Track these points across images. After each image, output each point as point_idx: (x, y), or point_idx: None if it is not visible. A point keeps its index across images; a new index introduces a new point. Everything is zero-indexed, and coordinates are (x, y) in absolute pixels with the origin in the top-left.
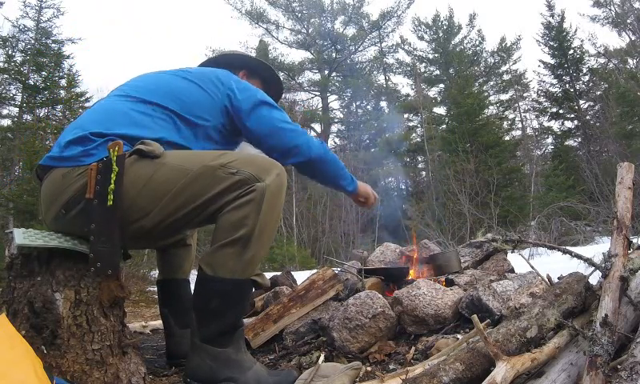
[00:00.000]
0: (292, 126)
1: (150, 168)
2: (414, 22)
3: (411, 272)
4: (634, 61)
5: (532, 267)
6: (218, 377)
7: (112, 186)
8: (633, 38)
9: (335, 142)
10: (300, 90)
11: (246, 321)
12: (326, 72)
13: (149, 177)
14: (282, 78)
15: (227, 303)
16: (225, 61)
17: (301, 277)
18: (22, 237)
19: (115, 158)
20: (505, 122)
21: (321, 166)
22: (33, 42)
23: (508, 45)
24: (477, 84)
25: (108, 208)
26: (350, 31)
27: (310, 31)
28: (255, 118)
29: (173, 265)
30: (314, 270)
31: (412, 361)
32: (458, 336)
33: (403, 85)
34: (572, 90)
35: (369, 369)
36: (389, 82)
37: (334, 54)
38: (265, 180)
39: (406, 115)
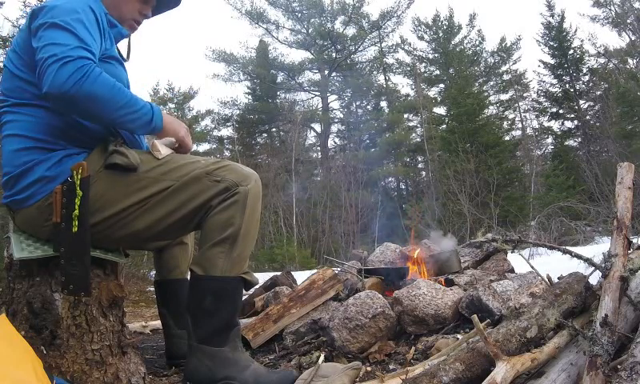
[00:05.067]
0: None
1: (129, 183)
2: (413, 22)
3: (412, 268)
4: (634, 61)
5: (532, 267)
6: (217, 376)
7: (76, 211)
8: (633, 37)
9: (335, 142)
10: (300, 90)
11: (246, 321)
12: (326, 72)
13: (129, 193)
14: (281, 78)
15: (220, 301)
16: None
17: (301, 277)
18: (20, 248)
19: (79, 181)
20: (505, 122)
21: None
22: None
23: (508, 45)
24: (477, 84)
25: (75, 232)
26: (350, 31)
27: (309, 31)
28: None
29: (170, 265)
30: (314, 270)
31: (412, 361)
32: (458, 336)
33: (403, 85)
34: (572, 90)
35: (369, 369)
36: (389, 82)
37: (334, 54)
38: (246, 185)
39: (406, 115)
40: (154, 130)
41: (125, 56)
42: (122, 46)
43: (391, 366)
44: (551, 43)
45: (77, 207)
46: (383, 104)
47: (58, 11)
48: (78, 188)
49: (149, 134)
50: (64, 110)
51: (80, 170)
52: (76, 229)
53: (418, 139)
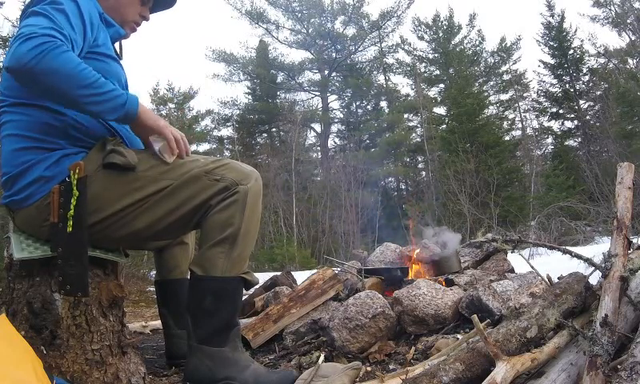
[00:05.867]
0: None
1: (128, 183)
2: (414, 22)
3: (411, 271)
4: (634, 61)
5: (532, 267)
6: (217, 376)
7: (71, 211)
8: (633, 37)
9: (335, 142)
10: (300, 90)
11: (246, 321)
12: (326, 72)
13: (128, 192)
14: (281, 78)
15: (220, 301)
16: None
17: (301, 277)
18: (20, 249)
19: (76, 181)
20: (505, 122)
21: (42, 78)
22: None
23: (508, 45)
24: (477, 84)
25: (71, 232)
26: (350, 31)
27: (309, 31)
28: None
29: (170, 265)
30: (314, 270)
31: (412, 361)
32: (458, 336)
33: (403, 85)
34: (572, 90)
35: (369, 369)
36: (389, 82)
37: (334, 54)
38: (246, 184)
39: (406, 115)
40: (127, 117)
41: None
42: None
43: (391, 366)
44: (551, 43)
45: (72, 207)
46: (383, 104)
47: (41, 2)
48: (75, 188)
49: (123, 123)
50: (26, 85)
51: (77, 170)
52: (71, 229)
53: (418, 139)
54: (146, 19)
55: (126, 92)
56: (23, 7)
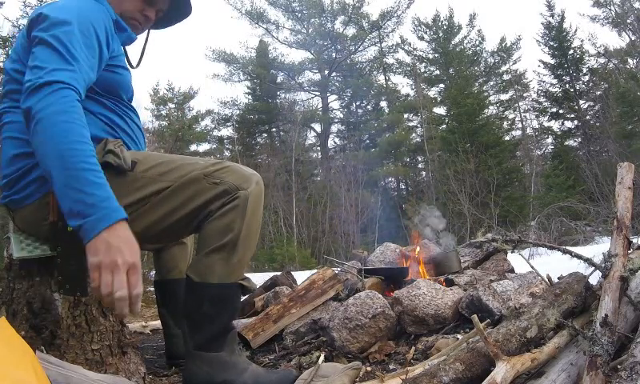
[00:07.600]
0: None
1: (126, 183)
2: (413, 22)
3: (411, 271)
4: (634, 61)
5: (532, 267)
6: (215, 381)
7: None
8: (633, 37)
9: (335, 142)
10: (300, 90)
11: (246, 321)
12: (326, 72)
13: (127, 193)
14: (281, 78)
15: (217, 308)
16: None
17: (301, 277)
18: (20, 248)
19: None
20: (505, 122)
21: (37, 137)
22: None
23: (508, 45)
24: (477, 84)
25: (71, 231)
26: (350, 31)
27: (310, 31)
28: None
29: (169, 265)
30: (314, 270)
31: (412, 361)
32: (458, 336)
33: (403, 85)
34: (572, 90)
35: (369, 369)
36: (389, 82)
37: (333, 54)
38: (247, 188)
39: (406, 115)
40: (83, 229)
41: (133, 62)
42: (133, 51)
43: (391, 366)
44: (551, 43)
45: None
46: (383, 104)
47: (49, 23)
48: None
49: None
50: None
51: None
52: (71, 228)
53: (418, 139)
54: (150, 20)
55: (107, 208)
56: (28, 20)
